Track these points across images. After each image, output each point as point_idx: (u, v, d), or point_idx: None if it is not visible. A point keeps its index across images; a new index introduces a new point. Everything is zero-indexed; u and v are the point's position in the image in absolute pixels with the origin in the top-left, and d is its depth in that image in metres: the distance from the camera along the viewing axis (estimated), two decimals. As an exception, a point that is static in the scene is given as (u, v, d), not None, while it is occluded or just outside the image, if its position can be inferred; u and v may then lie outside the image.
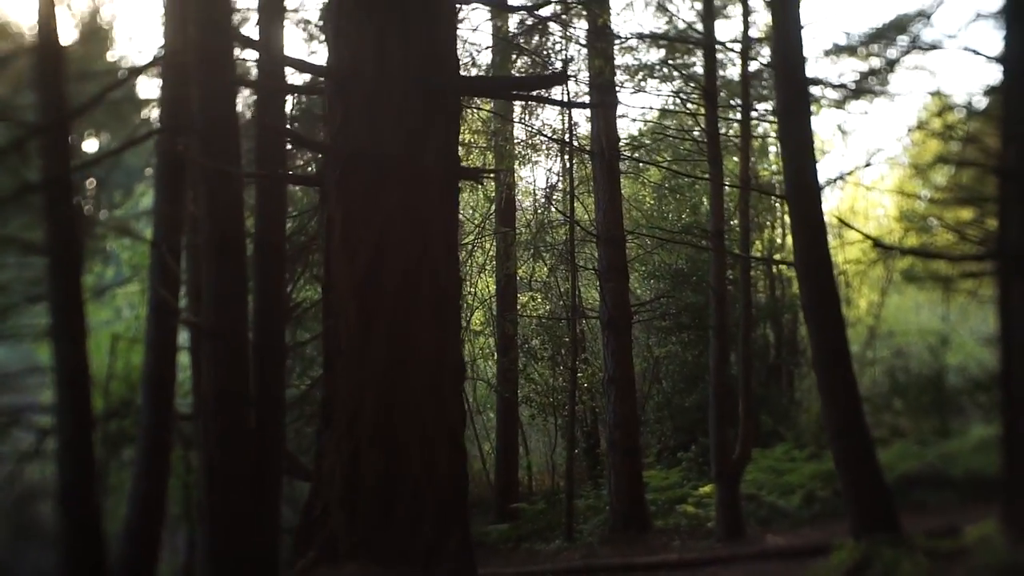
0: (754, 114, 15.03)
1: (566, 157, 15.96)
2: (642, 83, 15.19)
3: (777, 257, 18.85)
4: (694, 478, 15.96)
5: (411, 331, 4.96)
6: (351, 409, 4.82)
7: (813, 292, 8.49)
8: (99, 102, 10.05)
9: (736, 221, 13.74)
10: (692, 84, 13.97)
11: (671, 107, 16.21)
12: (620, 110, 15.46)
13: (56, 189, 11.12)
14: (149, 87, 14.51)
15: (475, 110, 16.08)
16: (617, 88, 14.42)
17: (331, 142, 5.17)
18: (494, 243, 17.95)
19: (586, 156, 15.39)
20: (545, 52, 14.49)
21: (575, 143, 15.07)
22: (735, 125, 14.45)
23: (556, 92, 13.14)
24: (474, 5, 12.93)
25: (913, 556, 7.84)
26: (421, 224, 5.03)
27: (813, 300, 8.50)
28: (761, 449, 15.85)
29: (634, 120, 28.69)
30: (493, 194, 17.97)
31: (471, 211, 19.86)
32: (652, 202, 19.78)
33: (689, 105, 14.69)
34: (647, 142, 17.86)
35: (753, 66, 13.33)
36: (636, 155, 16.58)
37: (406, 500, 4.73)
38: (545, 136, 16.08)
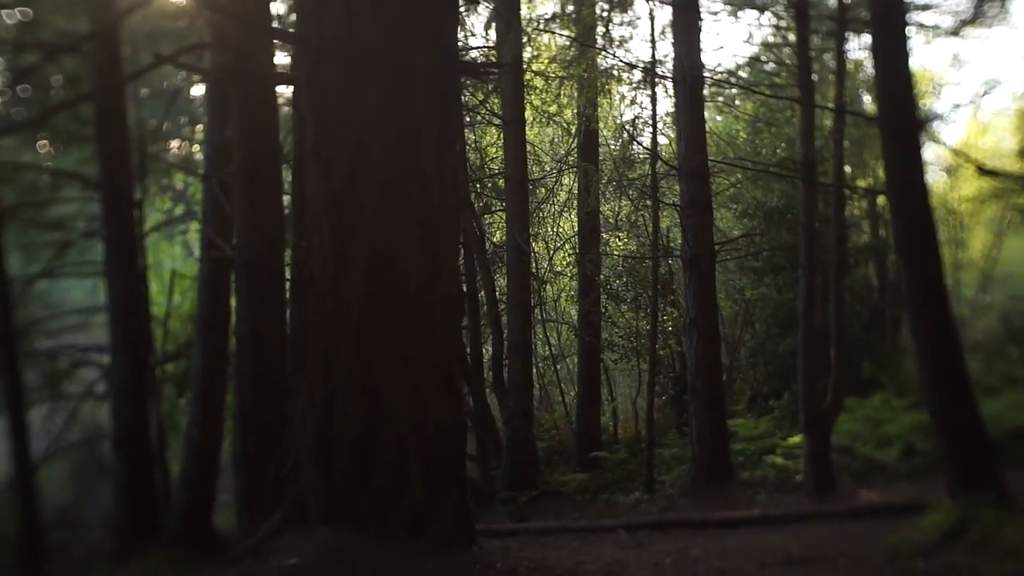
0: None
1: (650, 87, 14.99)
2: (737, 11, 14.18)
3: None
4: (786, 427, 15.07)
5: (396, 256, 4.16)
6: (325, 347, 4.08)
7: (906, 220, 7.53)
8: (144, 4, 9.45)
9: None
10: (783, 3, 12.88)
11: (761, 26, 15.09)
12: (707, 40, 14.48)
13: (107, 100, 10.59)
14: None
15: (553, 35, 15.28)
16: (702, 11, 13.44)
17: (301, 31, 4.39)
18: (575, 179, 17.14)
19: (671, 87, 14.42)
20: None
21: (659, 72, 14.08)
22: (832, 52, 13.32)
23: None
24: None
25: (1019, 519, 6.92)
26: (408, 128, 4.22)
27: (906, 229, 7.54)
28: (859, 398, 14.90)
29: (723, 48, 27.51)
30: (574, 128, 17.14)
31: (552, 146, 19.02)
32: (745, 136, 18.75)
33: (781, 25, 13.59)
34: (740, 73, 16.85)
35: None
36: (722, 82, 15.50)
37: (389, 455, 3.98)
38: (625, 63, 15.11)
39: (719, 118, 20.99)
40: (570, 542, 10.46)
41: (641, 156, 16.06)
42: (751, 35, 16.82)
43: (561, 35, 15.29)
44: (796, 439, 13.22)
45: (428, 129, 4.38)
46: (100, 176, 11.32)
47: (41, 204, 11.53)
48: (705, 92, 14.04)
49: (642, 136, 16.07)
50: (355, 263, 4.15)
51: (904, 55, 8.04)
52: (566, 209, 18.04)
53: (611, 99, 16.80)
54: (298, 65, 4.48)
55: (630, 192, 16.62)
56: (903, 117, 7.75)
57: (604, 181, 16.42)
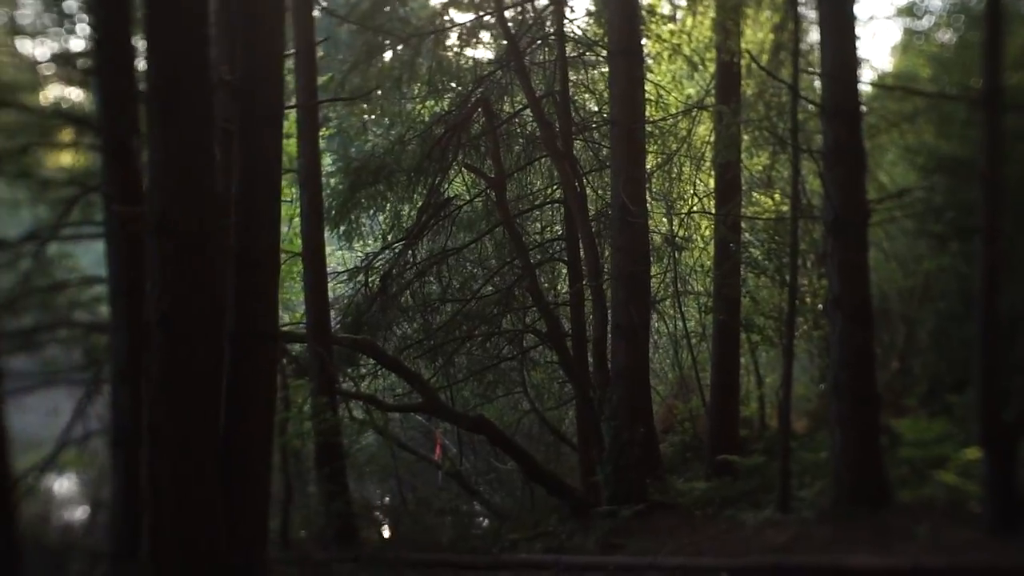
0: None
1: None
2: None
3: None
4: (968, 432, 12.37)
5: None
6: None
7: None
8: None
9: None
10: None
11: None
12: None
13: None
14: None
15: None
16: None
17: None
18: (712, 127, 14.77)
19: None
20: None
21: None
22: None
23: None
24: None
25: None
26: None
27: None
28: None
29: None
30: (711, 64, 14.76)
31: (675, 84, 16.60)
32: (929, 73, 15.93)
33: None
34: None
35: None
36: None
37: None
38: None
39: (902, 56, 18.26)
40: (651, 593, 8.41)
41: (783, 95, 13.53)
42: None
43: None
44: (976, 452, 10.63)
45: None
46: (101, 118, 9.89)
47: (26, 151, 10.04)
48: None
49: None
50: None
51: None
52: (702, 161, 15.61)
53: (754, 26, 14.30)
54: None
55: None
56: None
57: (744, 126, 13.96)
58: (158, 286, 6.00)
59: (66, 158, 10.73)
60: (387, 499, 14.52)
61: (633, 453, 12.00)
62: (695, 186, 15.96)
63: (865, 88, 12.89)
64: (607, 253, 13.50)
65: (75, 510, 12.74)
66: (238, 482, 6.50)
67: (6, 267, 10.91)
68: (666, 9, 14.69)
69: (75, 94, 10.81)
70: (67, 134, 10.36)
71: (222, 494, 6.21)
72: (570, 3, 14.20)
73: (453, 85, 14.11)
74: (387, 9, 13.00)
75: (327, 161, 18.13)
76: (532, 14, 13.78)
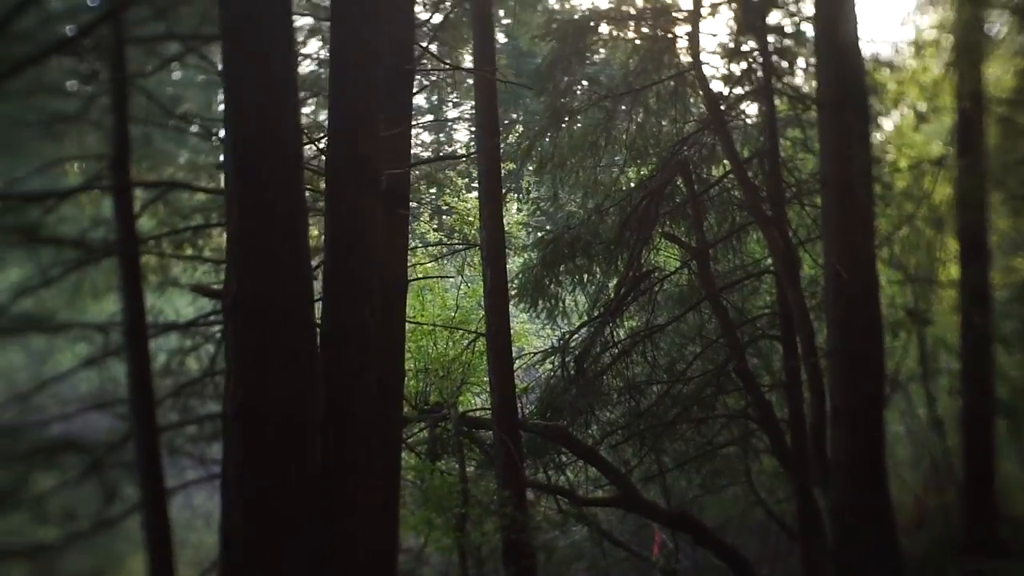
0: None
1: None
2: None
3: None
4: None
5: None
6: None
7: None
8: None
9: None
10: None
11: None
12: None
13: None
14: None
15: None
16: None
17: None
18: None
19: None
20: None
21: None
22: None
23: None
24: None
25: None
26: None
27: None
28: None
29: None
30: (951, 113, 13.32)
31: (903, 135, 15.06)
32: None
33: None
34: None
35: None
36: None
37: None
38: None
39: None
40: None
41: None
42: None
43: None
44: None
45: None
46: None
47: (197, 231, 9.89)
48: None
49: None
50: None
51: None
52: (943, 224, 13.97)
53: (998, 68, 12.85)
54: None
55: None
56: None
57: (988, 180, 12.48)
58: (233, 372, 5.48)
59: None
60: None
61: (859, 553, 10.60)
62: (937, 251, 14.31)
63: None
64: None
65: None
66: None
67: (191, 352, 10.85)
68: (890, 53, 13.34)
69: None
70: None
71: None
72: (783, 56, 12.93)
73: (656, 148, 13.18)
74: (571, 70, 12.33)
75: (522, 234, 17.63)
76: (738, 69, 12.78)
